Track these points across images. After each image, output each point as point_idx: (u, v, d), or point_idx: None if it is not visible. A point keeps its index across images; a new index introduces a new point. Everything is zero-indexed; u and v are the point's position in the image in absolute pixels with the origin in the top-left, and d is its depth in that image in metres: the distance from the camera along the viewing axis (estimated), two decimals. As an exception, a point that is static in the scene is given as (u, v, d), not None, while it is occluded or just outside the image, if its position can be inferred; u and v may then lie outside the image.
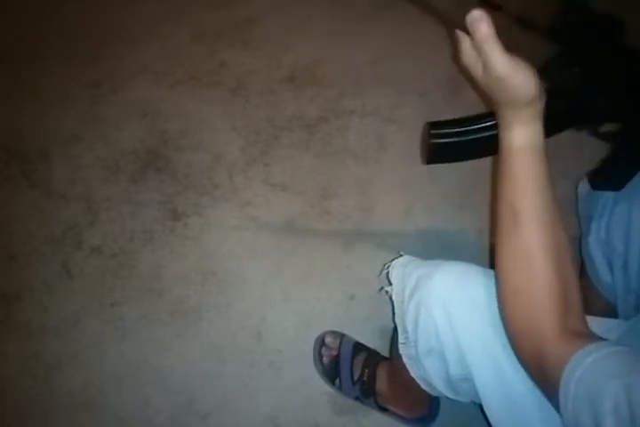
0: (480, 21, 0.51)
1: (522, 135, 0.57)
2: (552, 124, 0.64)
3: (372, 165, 1.41)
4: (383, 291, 0.80)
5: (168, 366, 1.18)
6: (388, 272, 0.79)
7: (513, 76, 0.53)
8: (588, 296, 0.98)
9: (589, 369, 0.48)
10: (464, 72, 0.58)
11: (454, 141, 0.67)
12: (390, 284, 0.78)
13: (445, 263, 0.72)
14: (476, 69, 0.56)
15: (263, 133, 1.46)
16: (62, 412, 1.14)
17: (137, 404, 1.15)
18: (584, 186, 0.88)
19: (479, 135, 0.66)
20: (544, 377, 0.53)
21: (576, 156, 1.23)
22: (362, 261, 1.27)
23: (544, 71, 0.58)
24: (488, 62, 0.53)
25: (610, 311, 0.89)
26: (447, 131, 0.68)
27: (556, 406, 0.50)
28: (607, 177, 0.81)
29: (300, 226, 1.33)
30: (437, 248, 1.28)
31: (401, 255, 0.80)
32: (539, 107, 0.56)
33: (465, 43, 0.55)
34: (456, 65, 0.61)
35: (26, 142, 1.47)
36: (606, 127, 0.69)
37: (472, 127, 0.68)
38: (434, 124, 0.69)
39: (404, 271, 0.76)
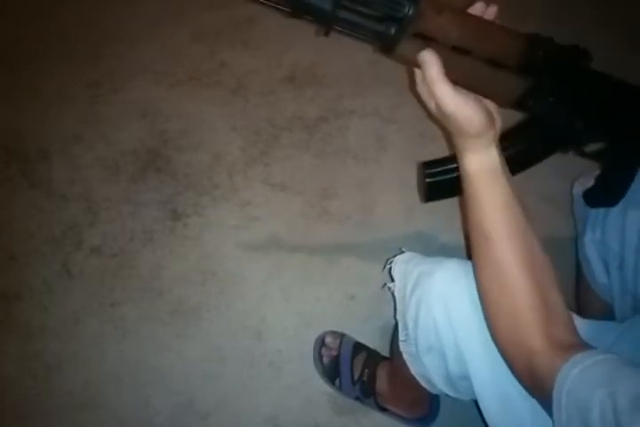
0: (429, 63, 0.54)
1: (476, 161, 0.59)
2: (532, 152, 0.68)
3: (371, 165, 1.41)
4: (385, 288, 0.81)
5: (168, 366, 1.18)
6: (390, 268, 0.80)
7: (461, 111, 0.56)
8: (586, 298, 0.98)
9: (577, 379, 0.48)
10: (420, 101, 0.61)
11: (449, 178, 0.70)
12: (392, 280, 0.79)
13: (446, 261, 0.73)
14: (429, 102, 0.59)
15: (263, 133, 1.46)
16: (62, 412, 1.14)
17: (137, 404, 1.15)
18: (579, 187, 0.88)
19: None
20: (539, 386, 0.53)
21: (575, 157, 1.23)
22: (362, 261, 1.27)
23: (521, 104, 0.61)
24: (437, 99, 0.56)
25: (608, 312, 0.89)
26: (440, 169, 0.70)
27: (552, 416, 0.51)
28: (601, 195, 0.82)
29: (300, 226, 1.33)
30: (437, 248, 1.29)
31: (403, 252, 0.80)
32: (490, 135, 0.59)
33: (419, 77, 0.59)
34: (413, 94, 0.64)
35: (26, 142, 1.46)
36: (592, 147, 0.70)
37: None
38: (428, 164, 0.72)
39: (406, 268, 0.77)
